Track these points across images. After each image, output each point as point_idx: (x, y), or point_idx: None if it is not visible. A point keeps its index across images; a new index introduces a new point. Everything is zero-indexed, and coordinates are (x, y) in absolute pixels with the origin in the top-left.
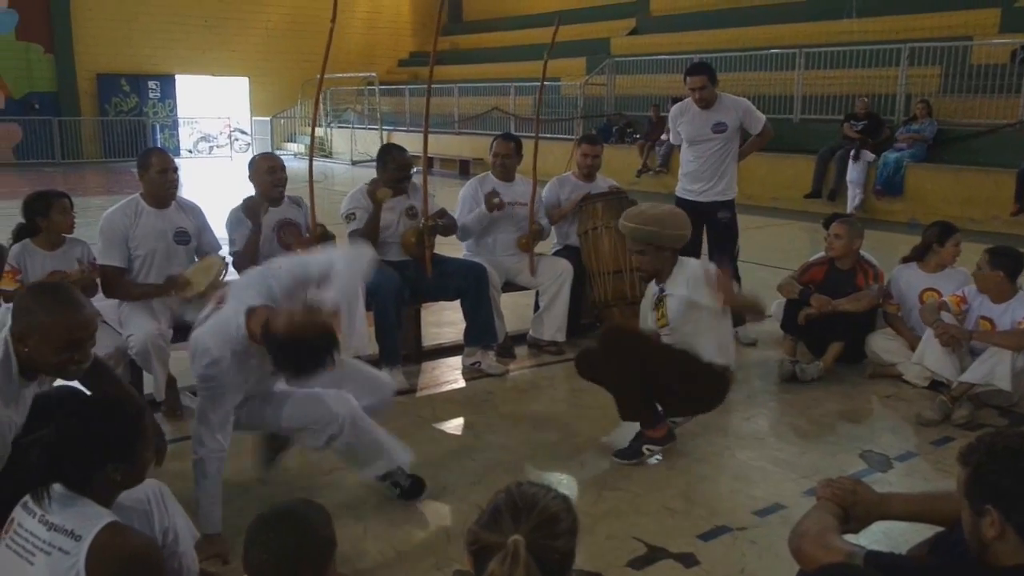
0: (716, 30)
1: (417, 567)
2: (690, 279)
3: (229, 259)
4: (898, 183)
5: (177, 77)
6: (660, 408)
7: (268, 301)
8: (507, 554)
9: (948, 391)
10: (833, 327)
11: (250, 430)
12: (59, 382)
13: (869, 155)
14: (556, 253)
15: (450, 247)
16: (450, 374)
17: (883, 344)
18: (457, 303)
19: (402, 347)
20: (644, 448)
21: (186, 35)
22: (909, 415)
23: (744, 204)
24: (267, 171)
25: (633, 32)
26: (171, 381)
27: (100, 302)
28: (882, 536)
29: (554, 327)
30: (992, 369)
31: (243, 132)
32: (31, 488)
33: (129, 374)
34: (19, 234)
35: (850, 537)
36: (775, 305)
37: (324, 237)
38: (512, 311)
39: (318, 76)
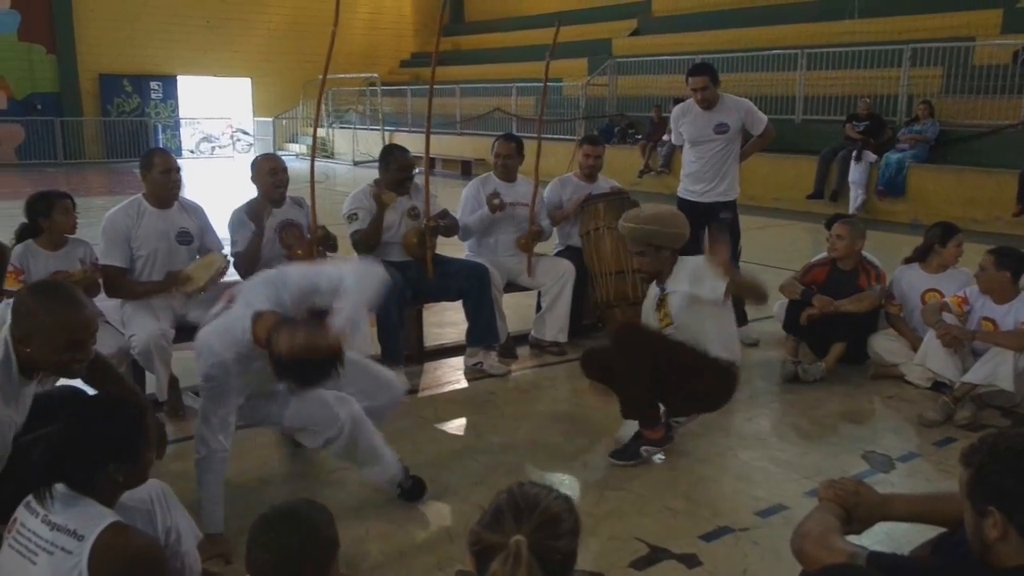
0: (718, 31)
1: (419, 567)
2: (691, 273)
3: (230, 259)
4: (900, 184)
5: (179, 78)
6: (666, 408)
7: (276, 307)
8: (509, 554)
9: (950, 392)
10: (835, 328)
11: (252, 425)
12: (61, 381)
13: (871, 156)
14: (558, 254)
15: (452, 247)
16: (452, 374)
17: (885, 345)
18: (459, 303)
19: (404, 347)
20: (642, 449)
21: (188, 36)
22: (911, 416)
23: (746, 205)
24: (269, 172)
25: (635, 33)
26: (173, 381)
27: (103, 302)
28: (884, 537)
29: (556, 328)
30: (994, 370)
31: (245, 133)
32: (34, 488)
33: (131, 374)
34: (22, 234)
35: (852, 538)
36: (777, 306)
37: (326, 239)
38: (514, 311)
39: (320, 77)
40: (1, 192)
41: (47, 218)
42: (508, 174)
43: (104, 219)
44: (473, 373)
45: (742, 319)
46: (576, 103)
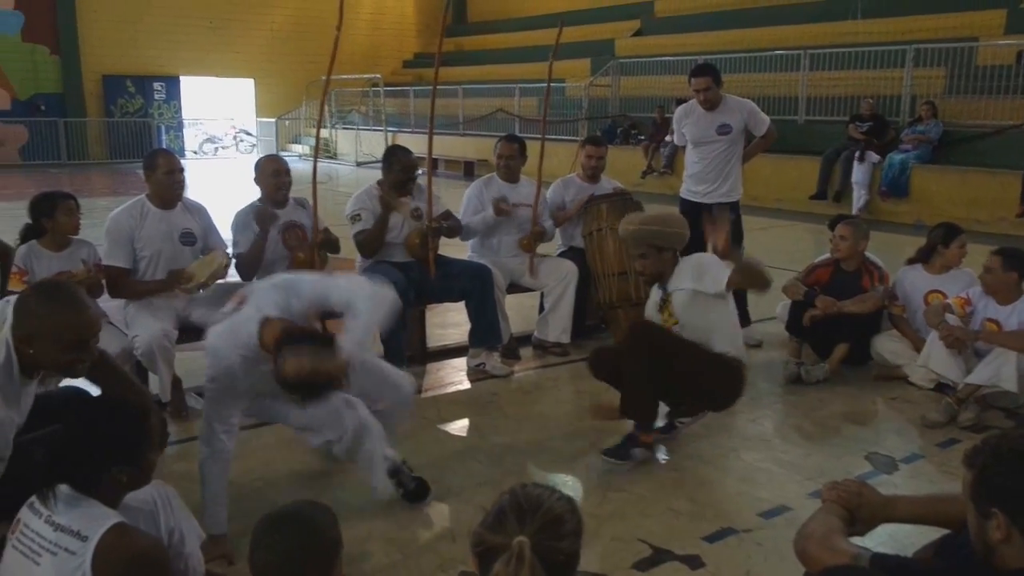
0: (721, 31)
1: (422, 568)
2: (693, 270)
3: (233, 259)
4: (903, 184)
5: (182, 78)
6: (674, 408)
7: (285, 313)
8: (512, 555)
9: (954, 393)
10: (838, 329)
11: (262, 422)
12: (65, 381)
13: (874, 156)
14: (561, 254)
15: (455, 248)
16: (455, 375)
17: (888, 346)
18: (462, 304)
19: (407, 348)
20: (633, 451)
21: (191, 37)
22: (914, 417)
23: (749, 205)
24: (272, 174)
25: (638, 33)
26: (176, 382)
27: (106, 303)
28: (888, 538)
29: (559, 328)
30: (998, 370)
31: (248, 133)
32: (37, 488)
33: (135, 375)
34: (26, 235)
35: (856, 539)
36: (780, 307)
37: (328, 241)
38: (517, 312)
39: (323, 78)
40: (5, 193)
41: (50, 219)
42: (511, 175)
43: (108, 220)
44: (476, 374)
45: (745, 320)
46: (579, 104)
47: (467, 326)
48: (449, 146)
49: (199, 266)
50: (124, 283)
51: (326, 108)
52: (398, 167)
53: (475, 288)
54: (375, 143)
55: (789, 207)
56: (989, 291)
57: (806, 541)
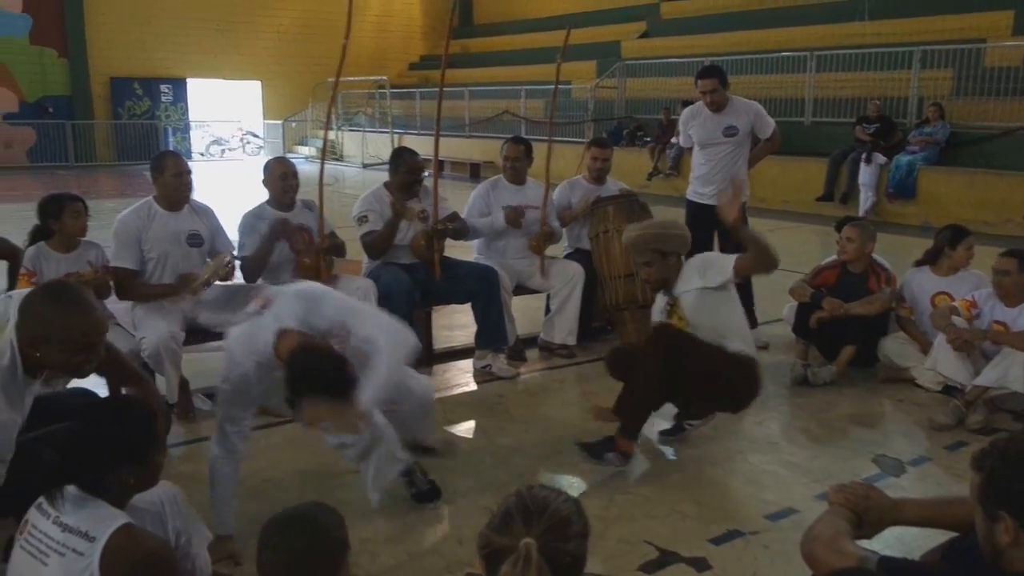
0: (727, 33)
1: (428, 570)
2: (699, 268)
3: (237, 261)
4: (910, 186)
5: (189, 81)
6: (683, 409)
7: (303, 327)
8: (519, 557)
9: (962, 395)
10: (845, 331)
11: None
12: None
13: (881, 158)
14: (567, 256)
15: (461, 250)
16: (461, 377)
17: (895, 348)
18: (468, 306)
19: None
20: (608, 455)
21: (198, 39)
22: (922, 419)
23: (755, 207)
24: (280, 177)
25: (644, 35)
26: (184, 384)
27: (114, 304)
28: (895, 541)
29: (565, 330)
30: (1006, 372)
31: (255, 135)
32: (44, 489)
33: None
34: (35, 236)
35: (863, 542)
36: (787, 309)
37: (334, 246)
38: (523, 314)
39: (330, 80)
40: (13, 195)
41: (57, 220)
42: (517, 177)
43: (115, 221)
44: (482, 376)
45: (751, 322)
46: (585, 105)
47: (473, 328)
48: (455, 148)
49: (206, 269)
50: (132, 285)
51: (332, 110)
52: (404, 169)
53: (481, 290)
54: (381, 145)
55: (796, 209)
56: (1003, 293)
57: (813, 543)
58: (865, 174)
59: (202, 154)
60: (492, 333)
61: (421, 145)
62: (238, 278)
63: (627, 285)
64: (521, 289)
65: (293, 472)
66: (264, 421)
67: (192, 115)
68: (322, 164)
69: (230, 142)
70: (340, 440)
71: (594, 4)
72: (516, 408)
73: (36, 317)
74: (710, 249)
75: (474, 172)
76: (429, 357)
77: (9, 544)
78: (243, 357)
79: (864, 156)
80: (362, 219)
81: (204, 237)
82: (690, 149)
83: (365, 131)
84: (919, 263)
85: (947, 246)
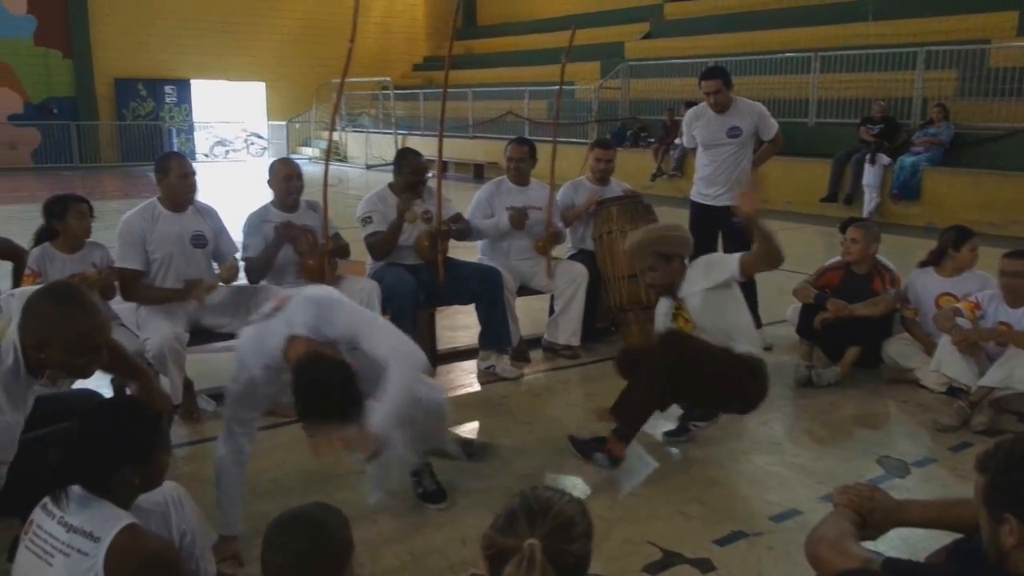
0: (731, 34)
1: (432, 570)
2: (703, 268)
3: (242, 263)
4: (915, 187)
5: (193, 82)
6: (688, 410)
7: (314, 335)
8: (523, 558)
9: (966, 396)
10: (849, 332)
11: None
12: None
13: (885, 159)
14: (571, 257)
15: (465, 251)
16: (465, 378)
17: (900, 349)
18: (472, 307)
19: None
20: (597, 454)
21: (202, 40)
22: (926, 421)
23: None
24: (284, 178)
25: (647, 36)
26: (188, 384)
27: (118, 305)
28: (900, 543)
29: (569, 331)
30: (1011, 372)
31: (259, 136)
32: (49, 489)
33: None
34: (40, 237)
35: (868, 544)
36: (791, 310)
37: (338, 248)
38: (527, 315)
39: (334, 81)
40: (17, 196)
41: (62, 221)
42: (521, 177)
43: (120, 222)
44: (486, 376)
45: (756, 323)
46: (588, 106)
47: (477, 328)
48: (459, 149)
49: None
50: (137, 286)
51: (336, 111)
52: (408, 170)
53: (485, 291)
54: (385, 146)
55: (800, 210)
56: (1012, 295)
57: (817, 545)
58: (869, 175)
59: (206, 155)
60: (496, 334)
61: (425, 146)
62: (242, 279)
63: (631, 286)
64: (525, 290)
65: (297, 472)
66: (269, 421)
67: (196, 116)
68: (326, 165)
69: (234, 143)
70: None
71: (597, 5)
72: (520, 409)
73: (40, 318)
74: (714, 250)
75: (478, 173)
76: (433, 358)
77: (14, 544)
78: (251, 360)
79: (868, 157)
80: (366, 220)
81: (208, 238)
82: (694, 150)
83: (369, 132)
84: (923, 264)
85: (951, 247)
